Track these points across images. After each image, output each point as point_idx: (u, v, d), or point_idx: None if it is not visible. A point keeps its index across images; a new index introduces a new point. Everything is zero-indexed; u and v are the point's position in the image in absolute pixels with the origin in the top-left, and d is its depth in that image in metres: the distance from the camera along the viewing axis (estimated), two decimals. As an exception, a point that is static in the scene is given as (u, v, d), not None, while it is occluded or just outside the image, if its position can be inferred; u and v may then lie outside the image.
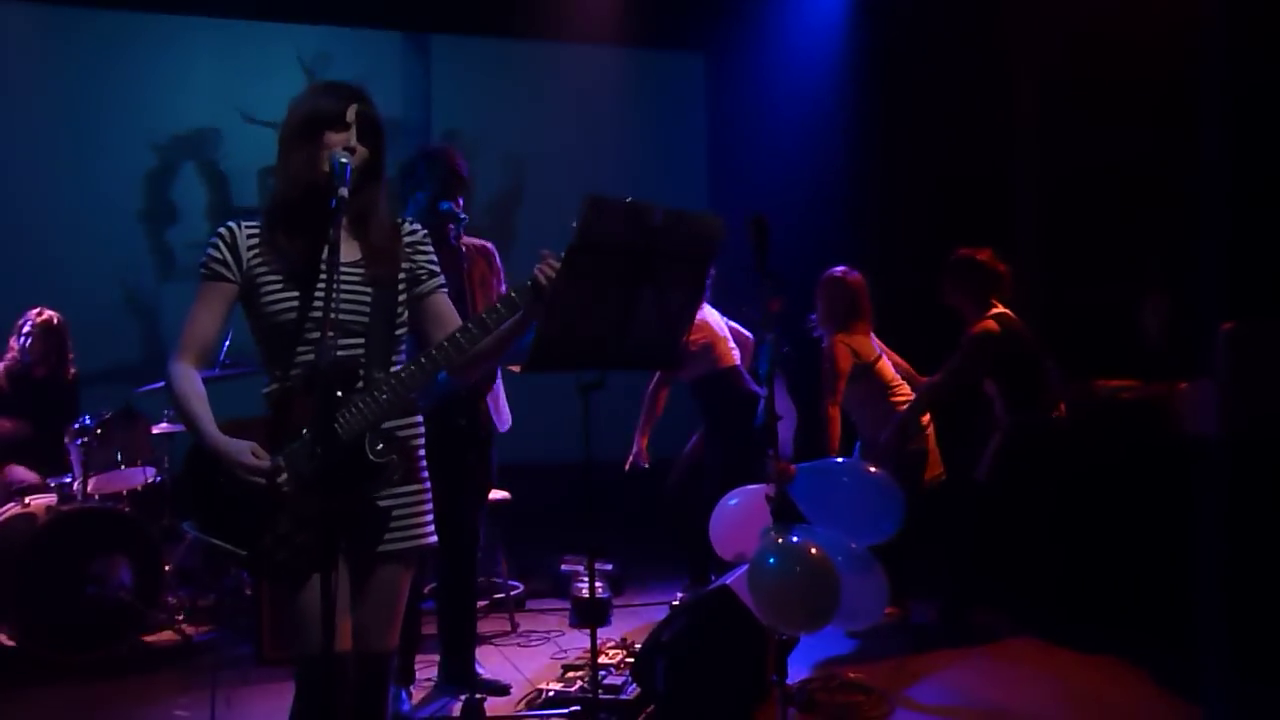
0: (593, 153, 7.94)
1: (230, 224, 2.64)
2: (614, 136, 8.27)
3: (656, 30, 8.58)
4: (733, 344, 5.94)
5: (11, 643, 5.18)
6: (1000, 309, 5.45)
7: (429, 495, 2.72)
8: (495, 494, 5.53)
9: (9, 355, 6.00)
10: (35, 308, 6.04)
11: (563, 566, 6.43)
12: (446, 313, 2.73)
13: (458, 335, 2.48)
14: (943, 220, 6.29)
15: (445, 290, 2.76)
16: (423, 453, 2.72)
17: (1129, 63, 6.39)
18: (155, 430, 5.87)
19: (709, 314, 5.96)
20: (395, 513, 2.62)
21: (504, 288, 4.54)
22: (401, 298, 2.67)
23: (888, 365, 5.63)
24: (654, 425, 5.99)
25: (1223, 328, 5.24)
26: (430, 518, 2.71)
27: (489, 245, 4.67)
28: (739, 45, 8.41)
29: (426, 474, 2.72)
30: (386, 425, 2.53)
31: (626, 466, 5.99)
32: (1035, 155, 7.36)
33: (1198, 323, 5.49)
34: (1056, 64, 7.12)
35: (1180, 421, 5.46)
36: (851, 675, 4.69)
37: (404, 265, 2.69)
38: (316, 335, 2.49)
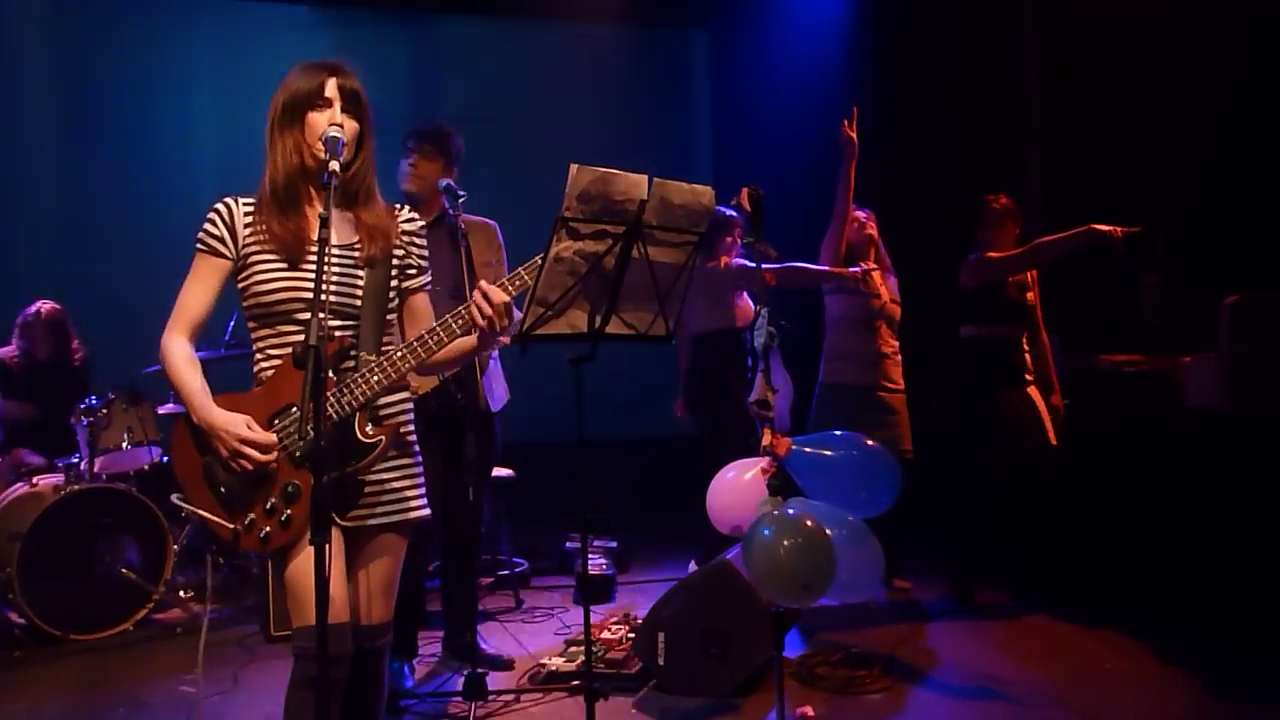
0: (596, 130, 7.92)
1: (227, 200, 2.61)
2: (618, 114, 8.25)
3: (660, 8, 8.56)
4: None
5: (21, 621, 5.23)
6: None
7: (420, 468, 2.73)
8: (499, 471, 5.54)
9: (13, 347, 6.05)
10: (35, 302, 6.10)
11: (567, 544, 6.47)
12: (424, 312, 2.75)
13: (438, 330, 2.48)
14: (945, 194, 6.29)
15: (428, 289, 2.77)
16: (412, 426, 2.72)
17: (1132, 35, 6.37)
18: (161, 410, 5.91)
19: None
20: (387, 486, 2.62)
21: (505, 266, 4.52)
22: (393, 283, 2.67)
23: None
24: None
25: (1226, 301, 5.24)
26: (422, 490, 2.72)
27: (490, 223, 4.62)
28: (743, 22, 8.39)
29: (417, 447, 2.73)
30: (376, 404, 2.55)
31: None
32: (1037, 129, 7.34)
33: (1200, 296, 5.49)
34: (1059, 37, 7.10)
35: (1183, 395, 5.46)
36: (854, 649, 4.70)
37: (398, 252, 2.68)
38: (308, 315, 2.46)
